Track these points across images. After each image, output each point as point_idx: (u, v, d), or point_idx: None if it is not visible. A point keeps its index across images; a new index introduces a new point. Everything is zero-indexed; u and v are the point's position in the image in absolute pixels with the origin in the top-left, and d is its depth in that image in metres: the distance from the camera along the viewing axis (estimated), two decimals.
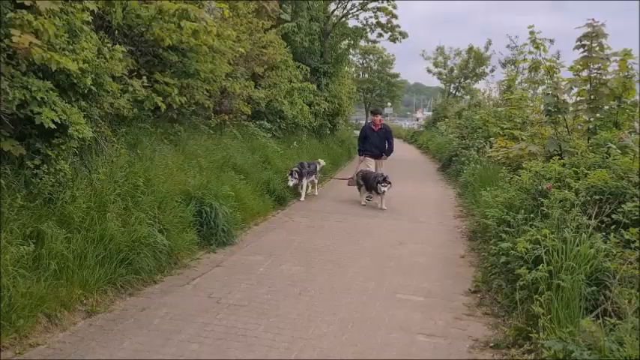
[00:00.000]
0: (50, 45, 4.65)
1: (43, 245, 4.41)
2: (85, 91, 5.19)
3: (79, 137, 4.89)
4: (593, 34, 6.90)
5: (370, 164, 11.20)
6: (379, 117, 11.62)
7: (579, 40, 7.00)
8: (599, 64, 7.06)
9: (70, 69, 4.74)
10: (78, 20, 5.08)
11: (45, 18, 4.44)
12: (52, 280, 4.29)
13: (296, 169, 10.39)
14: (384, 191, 10.01)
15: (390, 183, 10.11)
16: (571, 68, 7.37)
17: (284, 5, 14.97)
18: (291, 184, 10.24)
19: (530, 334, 3.95)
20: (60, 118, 4.61)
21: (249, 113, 11.15)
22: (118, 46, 5.94)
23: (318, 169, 11.61)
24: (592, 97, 7.13)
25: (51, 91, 4.65)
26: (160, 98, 6.98)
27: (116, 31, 6.72)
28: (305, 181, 10.70)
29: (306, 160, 11.33)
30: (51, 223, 4.59)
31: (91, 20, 5.41)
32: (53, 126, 4.54)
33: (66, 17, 4.95)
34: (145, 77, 6.78)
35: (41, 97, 4.53)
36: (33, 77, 4.60)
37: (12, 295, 3.85)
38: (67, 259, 4.51)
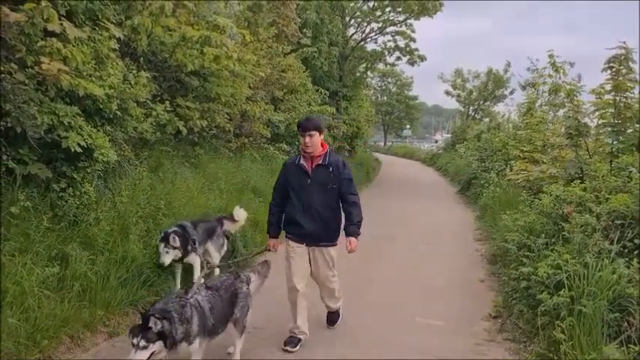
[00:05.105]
0: (78, 71, 4.82)
1: (68, 267, 4.50)
2: (111, 116, 5.36)
3: (103, 161, 5.04)
4: (622, 57, 6.85)
5: (298, 259, 4.64)
6: (318, 135, 4.50)
7: (607, 62, 6.96)
8: (627, 88, 6.99)
9: (97, 94, 4.91)
10: (105, 47, 5.27)
11: (73, 46, 4.61)
12: (75, 302, 4.36)
13: (175, 233, 5.28)
14: None
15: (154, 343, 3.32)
16: (593, 91, 7.32)
17: (304, 30, 15.20)
18: (165, 261, 5.20)
19: None
20: (86, 142, 4.77)
21: (269, 136, 11.28)
22: (142, 72, 6.12)
23: (219, 232, 6.18)
24: (615, 120, 7.06)
25: (77, 116, 4.82)
26: (182, 122, 7.15)
27: (141, 58, 6.93)
28: (198, 259, 5.60)
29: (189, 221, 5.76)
30: (75, 245, 4.69)
31: (117, 47, 5.59)
32: (79, 150, 4.70)
33: (93, 45, 5.13)
34: (167, 102, 6.95)
35: (68, 122, 4.70)
36: (61, 103, 4.77)
37: (37, 316, 3.93)
38: (90, 280, 4.59)
